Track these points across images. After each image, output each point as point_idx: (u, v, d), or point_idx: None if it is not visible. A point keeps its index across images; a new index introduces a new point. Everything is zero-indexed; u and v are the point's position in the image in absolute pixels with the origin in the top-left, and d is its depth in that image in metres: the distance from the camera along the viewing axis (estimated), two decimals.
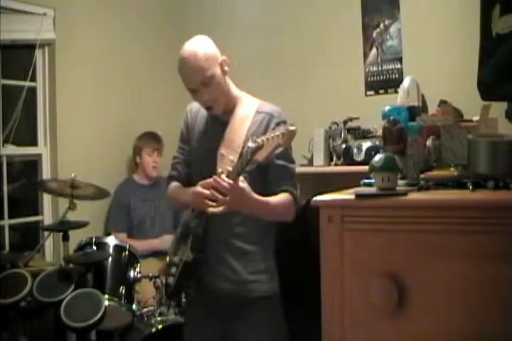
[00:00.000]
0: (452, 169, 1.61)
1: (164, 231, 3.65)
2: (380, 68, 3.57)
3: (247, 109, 2.03)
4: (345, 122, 3.35)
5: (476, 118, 1.87)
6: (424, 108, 2.19)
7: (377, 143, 3.00)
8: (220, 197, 1.80)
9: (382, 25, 3.55)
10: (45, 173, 3.52)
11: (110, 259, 2.75)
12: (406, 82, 2.16)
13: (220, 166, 1.93)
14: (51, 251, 3.45)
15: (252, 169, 1.84)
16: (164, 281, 2.74)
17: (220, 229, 1.96)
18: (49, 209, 3.52)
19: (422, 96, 2.18)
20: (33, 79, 3.48)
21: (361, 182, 1.57)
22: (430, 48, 3.28)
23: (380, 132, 2.16)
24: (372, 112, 2.20)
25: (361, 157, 3.11)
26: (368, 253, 1.33)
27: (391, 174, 1.36)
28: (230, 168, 1.80)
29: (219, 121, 2.04)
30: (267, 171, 1.96)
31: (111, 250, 2.80)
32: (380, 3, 3.54)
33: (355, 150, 3.16)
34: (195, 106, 2.13)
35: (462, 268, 1.23)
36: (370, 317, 1.31)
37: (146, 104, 4.04)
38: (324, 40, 3.74)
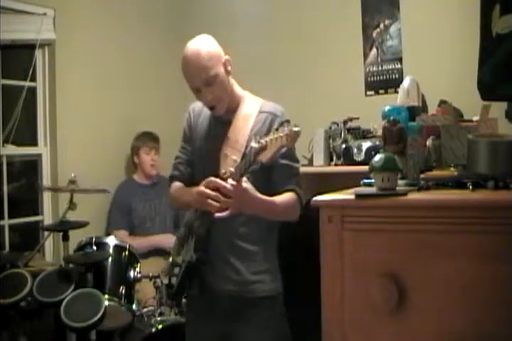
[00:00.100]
0: (452, 169, 1.61)
1: (164, 231, 3.65)
2: (380, 68, 3.57)
3: (250, 109, 2.02)
4: (345, 122, 3.35)
5: (476, 118, 1.86)
6: (424, 108, 2.19)
7: (377, 143, 2.99)
8: (224, 199, 1.79)
9: (382, 25, 3.54)
10: (45, 173, 3.52)
11: (110, 259, 2.75)
12: (406, 82, 2.16)
13: (223, 166, 1.93)
14: (51, 251, 3.45)
15: (255, 169, 1.82)
16: (167, 281, 2.76)
17: (223, 229, 1.95)
18: (49, 209, 3.52)
19: (422, 96, 2.18)
20: (33, 79, 3.48)
21: (361, 182, 1.56)
22: (430, 48, 3.28)
23: (380, 132, 2.16)
24: (372, 112, 2.20)
25: (361, 157, 3.10)
26: (368, 253, 1.33)
27: (391, 174, 1.36)
28: (233, 169, 1.79)
29: (222, 120, 2.04)
30: (271, 171, 1.94)
31: (111, 250, 2.80)
32: (380, 3, 3.54)
33: (355, 150, 3.16)
34: (197, 105, 2.13)
35: (462, 268, 1.22)
36: (370, 317, 1.31)
37: (147, 104, 4.04)
38: (324, 40, 3.74)
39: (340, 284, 1.35)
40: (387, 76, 3.53)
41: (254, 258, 2.00)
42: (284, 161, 1.95)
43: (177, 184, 2.12)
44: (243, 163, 1.77)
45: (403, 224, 1.30)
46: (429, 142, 1.70)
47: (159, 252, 3.52)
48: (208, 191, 1.83)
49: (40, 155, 3.54)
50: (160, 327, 2.71)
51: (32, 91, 3.50)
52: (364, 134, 3.27)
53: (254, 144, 1.72)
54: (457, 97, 2.44)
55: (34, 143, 3.55)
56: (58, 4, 3.49)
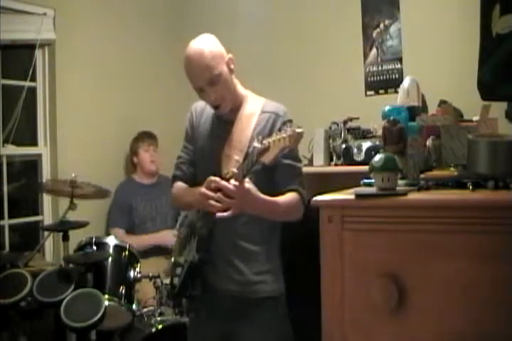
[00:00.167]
0: (452, 169, 1.61)
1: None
2: (380, 68, 3.57)
3: (253, 108, 2.01)
4: (345, 122, 3.35)
5: (476, 118, 1.87)
6: (424, 108, 2.19)
7: (377, 143, 2.99)
8: (226, 199, 1.78)
9: (382, 25, 3.55)
10: (45, 173, 3.52)
11: (110, 259, 2.75)
12: (406, 82, 2.16)
13: (225, 166, 1.93)
14: (51, 251, 3.45)
15: (257, 169, 1.81)
16: (167, 281, 2.76)
17: (225, 229, 1.95)
18: (49, 209, 3.52)
19: (422, 96, 2.18)
20: (33, 79, 3.49)
21: (361, 182, 1.56)
22: (430, 48, 3.28)
23: (380, 132, 2.16)
24: (372, 112, 2.20)
25: (361, 157, 3.10)
26: (368, 253, 1.33)
27: (391, 174, 1.36)
28: (236, 170, 1.78)
29: (224, 120, 2.03)
30: (274, 171, 1.93)
31: (111, 250, 2.80)
32: (380, 3, 3.54)
33: (355, 150, 3.16)
34: (200, 105, 2.12)
35: (462, 268, 1.22)
36: (370, 317, 1.31)
37: (147, 104, 4.04)
38: (324, 40, 3.74)
39: (340, 284, 1.35)
40: (387, 76, 3.53)
41: (257, 258, 1.99)
42: (287, 161, 1.94)
43: (179, 184, 2.11)
44: (245, 164, 1.77)
45: (403, 224, 1.30)
46: (429, 142, 1.70)
47: (160, 251, 3.52)
48: (210, 192, 1.82)
49: (40, 155, 3.54)
50: (160, 327, 2.71)
51: (32, 91, 3.50)
52: (364, 134, 3.27)
53: (256, 144, 1.71)
54: (457, 97, 2.45)
55: (34, 143, 3.55)
56: (58, 4, 3.49)
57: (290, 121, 1.98)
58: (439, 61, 3.24)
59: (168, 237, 3.53)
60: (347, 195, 1.40)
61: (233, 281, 1.97)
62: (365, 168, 1.43)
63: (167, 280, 2.80)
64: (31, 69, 3.39)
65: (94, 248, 2.72)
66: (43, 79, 3.54)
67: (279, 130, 1.87)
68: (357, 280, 1.34)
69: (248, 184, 1.77)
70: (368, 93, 3.61)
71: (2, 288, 2.35)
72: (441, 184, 1.44)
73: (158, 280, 2.85)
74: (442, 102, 2.38)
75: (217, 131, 2.04)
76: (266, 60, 3.94)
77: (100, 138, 3.71)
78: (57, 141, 3.51)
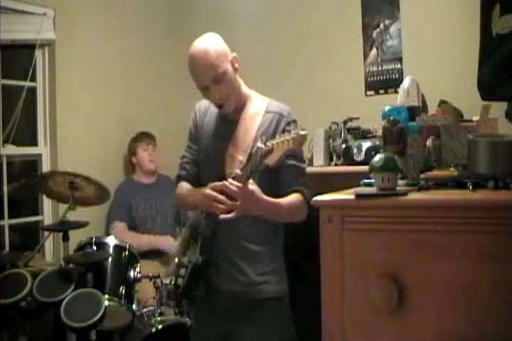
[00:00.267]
0: (452, 169, 1.61)
1: (165, 230, 3.65)
2: (380, 68, 3.57)
3: (257, 108, 2.01)
4: (345, 122, 3.35)
5: (476, 118, 1.87)
6: (424, 108, 2.20)
7: (377, 143, 2.99)
8: (229, 201, 1.78)
9: (382, 25, 3.54)
10: None
11: (110, 259, 2.74)
12: (406, 82, 2.16)
13: (229, 166, 1.92)
14: (51, 251, 3.45)
15: (261, 170, 1.80)
16: (167, 281, 2.76)
17: (229, 230, 1.94)
18: (49, 209, 3.53)
19: (422, 96, 2.18)
20: (33, 79, 3.49)
21: (361, 182, 1.56)
22: (430, 48, 3.28)
23: (380, 132, 2.16)
24: (372, 112, 2.20)
25: (361, 157, 3.10)
26: (368, 253, 1.33)
27: (391, 174, 1.36)
28: (239, 171, 1.78)
29: (228, 120, 2.02)
30: (278, 171, 1.92)
31: (111, 250, 2.79)
32: (380, 3, 3.54)
33: (355, 150, 3.16)
34: (204, 104, 2.11)
35: (462, 268, 1.23)
36: (370, 317, 1.31)
37: (147, 104, 4.04)
38: (324, 40, 3.74)
39: (340, 284, 1.35)
40: (387, 76, 3.53)
41: (260, 259, 1.98)
42: (291, 161, 1.93)
43: (183, 184, 2.10)
44: (249, 166, 1.77)
45: (403, 224, 1.30)
46: (429, 142, 1.70)
47: (156, 254, 3.52)
48: (214, 193, 1.82)
49: (40, 155, 3.54)
50: (160, 327, 2.71)
51: (32, 91, 3.50)
52: (364, 134, 3.27)
53: (260, 144, 1.71)
54: (457, 97, 2.44)
55: (34, 143, 3.56)
56: (58, 4, 3.49)
57: (294, 121, 1.98)
58: (439, 61, 3.24)
59: (167, 242, 3.54)
60: (347, 195, 1.40)
61: (237, 282, 1.97)
62: (365, 168, 1.43)
63: (167, 281, 2.81)
64: (31, 69, 3.39)
65: (94, 248, 2.71)
66: (43, 79, 3.54)
67: (283, 130, 1.87)
68: (357, 280, 1.34)
69: (252, 186, 1.77)
70: (368, 93, 3.61)
71: (2, 288, 2.35)
72: (441, 184, 1.44)
73: (158, 280, 2.85)
74: (442, 102, 2.38)
75: (221, 130, 2.04)
76: (266, 60, 3.94)
77: (100, 138, 3.71)
78: (57, 141, 3.51)
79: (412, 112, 1.84)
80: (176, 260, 2.09)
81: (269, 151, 1.68)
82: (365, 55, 3.62)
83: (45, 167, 3.54)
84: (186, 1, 4.36)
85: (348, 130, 3.33)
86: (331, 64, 3.71)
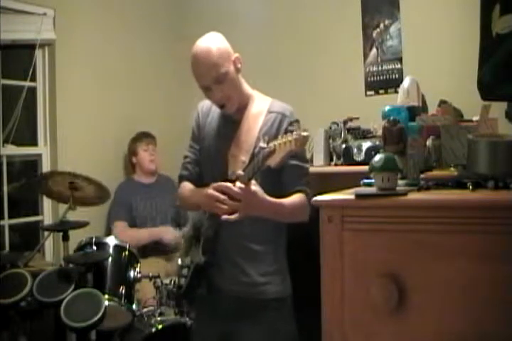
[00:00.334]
0: (452, 169, 1.61)
1: None
2: (380, 68, 3.57)
3: (259, 108, 2.00)
4: (345, 122, 3.35)
5: (476, 118, 1.86)
6: (424, 108, 2.19)
7: (377, 143, 2.99)
8: (232, 201, 1.78)
9: (382, 25, 3.54)
10: None
11: (110, 259, 2.74)
12: (406, 82, 2.16)
13: (231, 166, 1.92)
14: (51, 251, 3.45)
15: (263, 170, 1.79)
16: (169, 281, 2.76)
17: (231, 231, 1.94)
18: (49, 209, 3.53)
19: (422, 96, 2.18)
20: (33, 79, 3.48)
21: (361, 182, 1.56)
22: (430, 48, 3.28)
23: (380, 132, 2.16)
24: (372, 112, 2.20)
25: (361, 157, 3.10)
26: (368, 253, 1.33)
27: (391, 174, 1.36)
28: (242, 172, 1.78)
29: (230, 120, 2.02)
30: (281, 172, 1.92)
31: (111, 250, 2.79)
32: (380, 3, 3.54)
33: (355, 150, 3.15)
34: (206, 104, 2.10)
35: (462, 268, 1.23)
36: (370, 316, 1.31)
37: (147, 104, 4.04)
38: (324, 40, 3.74)
39: (340, 284, 1.35)
40: (387, 76, 3.53)
41: (263, 259, 1.98)
42: (294, 161, 1.93)
43: (186, 184, 2.09)
44: (251, 167, 1.76)
45: (403, 224, 1.30)
46: (429, 142, 1.70)
47: (159, 251, 3.52)
48: (217, 194, 1.82)
49: (40, 155, 3.54)
50: (160, 327, 2.71)
51: (32, 91, 3.50)
52: (364, 134, 3.27)
53: (262, 144, 1.71)
54: (457, 97, 2.44)
55: (34, 143, 3.56)
56: (58, 4, 3.49)
57: (297, 121, 1.98)
58: (439, 61, 3.24)
59: (167, 233, 3.54)
60: (347, 195, 1.40)
61: (239, 282, 1.96)
62: (365, 168, 1.43)
63: (167, 280, 2.81)
64: (31, 69, 3.39)
65: (94, 248, 2.71)
66: (43, 79, 3.54)
67: (286, 131, 1.86)
68: (357, 280, 1.34)
69: (254, 186, 1.77)
70: (368, 93, 3.61)
71: (2, 288, 2.35)
72: (441, 184, 1.44)
73: (158, 280, 2.85)
74: (442, 102, 2.38)
75: (223, 130, 2.03)
76: (266, 59, 3.94)
77: (100, 138, 3.71)
78: (57, 140, 3.51)
79: (412, 112, 1.84)
80: (179, 260, 2.09)
81: (272, 152, 1.68)
82: (365, 55, 3.62)
83: (45, 167, 3.54)
84: (187, 1, 4.35)
85: (348, 130, 3.33)
86: (331, 64, 3.71)
